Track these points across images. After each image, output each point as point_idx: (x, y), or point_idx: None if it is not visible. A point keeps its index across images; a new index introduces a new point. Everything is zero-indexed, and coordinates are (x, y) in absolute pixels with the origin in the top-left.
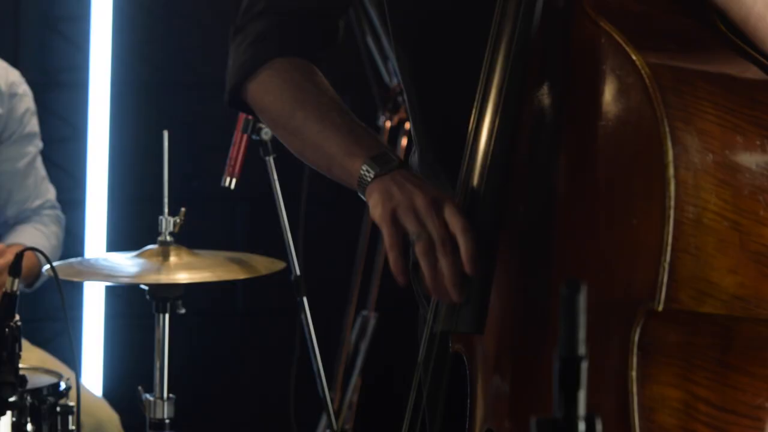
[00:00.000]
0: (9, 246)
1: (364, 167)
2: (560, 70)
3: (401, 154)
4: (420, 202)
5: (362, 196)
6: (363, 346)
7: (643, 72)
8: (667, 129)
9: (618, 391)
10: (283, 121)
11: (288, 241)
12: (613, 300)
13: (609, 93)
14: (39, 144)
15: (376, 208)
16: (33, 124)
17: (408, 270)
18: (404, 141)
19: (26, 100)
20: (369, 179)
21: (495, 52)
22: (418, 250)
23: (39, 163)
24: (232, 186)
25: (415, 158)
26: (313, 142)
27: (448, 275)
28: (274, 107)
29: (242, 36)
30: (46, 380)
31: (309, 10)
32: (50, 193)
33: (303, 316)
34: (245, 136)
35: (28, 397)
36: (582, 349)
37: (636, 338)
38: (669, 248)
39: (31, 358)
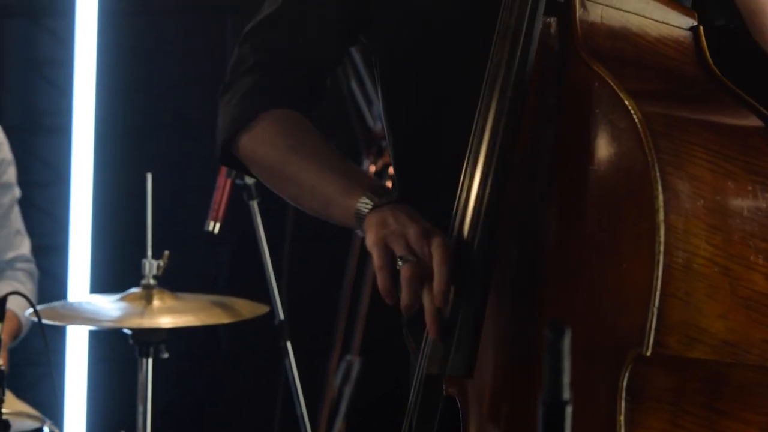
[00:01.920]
0: None
1: (363, 200)
2: (553, 113)
3: None
4: (411, 232)
5: (360, 232)
6: (347, 391)
7: (635, 117)
8: (658, 174)
9: None
10: (278, 168)
11: (272, 285)
12: (602, 344)
13: (601, 137)
14: (16, 194)
15: (369, 236)
16: (9, 174)
17: (397, 291)
18: (389, 185)
19: (3, 150)
20: (366, 210)
21: (489, 96)
22: (403, 273)
23: (15, 214)
24: (216, 230)
25: None
26: (309, 186)
27: (429, 311)
28: (268, 156)
29: (232, 92)
30: (29, 425)
31: (298, 67)
32: (24, 246)
33: (287, 360)
34: (229, 181)
35: None
36: (566, 394)
37: (624, 383)
38: (658, 293)
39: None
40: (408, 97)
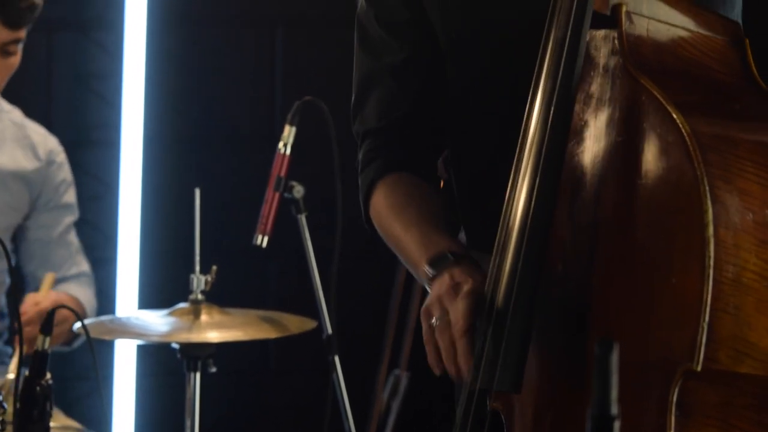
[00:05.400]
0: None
1: (426, 269)
2: (600, 127)
3: None
4: (444, 289)
5: None
6: (395, 405)
7: (683, 130)
8: (707, 188)
9: None
10: (385, 237)
11: (320, 300)
12: (651, 359)
13: (649, 151)
14: (75, 214)
15: None
16: (70, 195)
17: (442, 362)
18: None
19: (64, 170)
20: (429, 282)
21: (534, 109)
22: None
23: (73, 235)
24: (264, 244)
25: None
26: (401, 254)
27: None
28: (379, 226)
29: (360, 153)
30: None
31: (395, 127)
32: (85, 265)
33: (335, 375)
34: (277, 194)
35: None
36: (614, 409)
37: (674, 398)
38: (708, 308)
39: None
40: (460, 110)
